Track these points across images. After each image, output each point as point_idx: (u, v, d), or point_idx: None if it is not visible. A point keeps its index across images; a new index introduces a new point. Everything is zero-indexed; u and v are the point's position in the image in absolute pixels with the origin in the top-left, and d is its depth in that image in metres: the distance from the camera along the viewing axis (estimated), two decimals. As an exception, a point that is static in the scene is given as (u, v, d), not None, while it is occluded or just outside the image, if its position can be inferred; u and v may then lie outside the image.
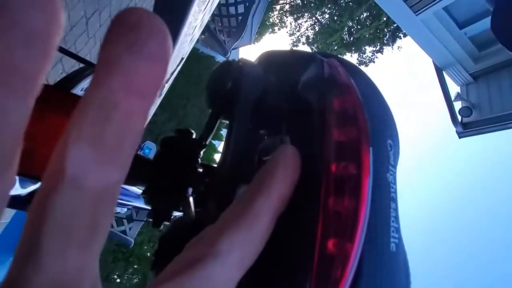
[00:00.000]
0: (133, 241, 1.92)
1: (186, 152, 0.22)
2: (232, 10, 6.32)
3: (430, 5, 2.79)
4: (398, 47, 13.90)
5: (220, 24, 6.78)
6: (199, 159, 0.24)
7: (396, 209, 0.14)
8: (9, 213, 2.02)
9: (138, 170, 0.22)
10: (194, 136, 0.24)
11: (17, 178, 0.27)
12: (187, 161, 0.23)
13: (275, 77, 0.19)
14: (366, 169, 0.12)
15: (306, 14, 14.54)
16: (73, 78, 1.01)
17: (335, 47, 14.84)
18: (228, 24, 6.75)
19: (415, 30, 3.24)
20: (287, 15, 15.03)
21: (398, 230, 0.13)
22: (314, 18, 14.62)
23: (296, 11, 14.56)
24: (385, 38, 13.68)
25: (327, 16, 14.35)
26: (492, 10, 0.90)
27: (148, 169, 0.23)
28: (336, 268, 0.11)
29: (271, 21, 15.31)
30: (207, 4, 0.44)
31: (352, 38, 14.20)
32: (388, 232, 0.13)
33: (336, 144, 0.13)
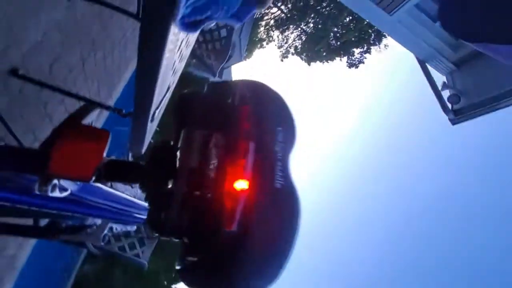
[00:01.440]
0: (146, 263, 1.99)
1: (165, 156, 0.33)
2: (215, 35, 6.76)
3: (402, 4, 2.95)
4: (385, 45, 14.22)
5: (206, 49, 7.25)
6: (176, 159, 0.34)
7: (282, 164, 0.24)
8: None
9: (138, 167, 0.32)
10: (171, 143, 0.34)
11: (57, 183, 0.35)
12: (165, 163, 0.33)
13: (211, 98, 0.30)
14: (250, 140, 0.22)
15: (291, 26, 15.04)
16: (77, 116, 1.12)
17: (324, 53, 15.23)
18: (213, 48, 7.18)
19: (392, 29, 3.40)
20: (273, 29, 15.55)
21: (284, 176, 0.23)
22: (299, 29, 15.11)
23: (281, 24, 15.08)
24: (370, 39, 14.02)
25: (311, 25, 14.82)
26: (438, 7, 1.00)
27: (144, 166, 0.33)
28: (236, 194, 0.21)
29: (259, 36, 15.83)
30: (182, 42, 0.54)
31: (338, 43, 14.59)
32: (272, 176, 0.23)
33: (239, 132, 0.24)
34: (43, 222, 0.81)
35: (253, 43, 15.29)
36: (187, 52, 1.04)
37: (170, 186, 0.30)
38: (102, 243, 0.65)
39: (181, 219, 0.17)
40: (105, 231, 0.67)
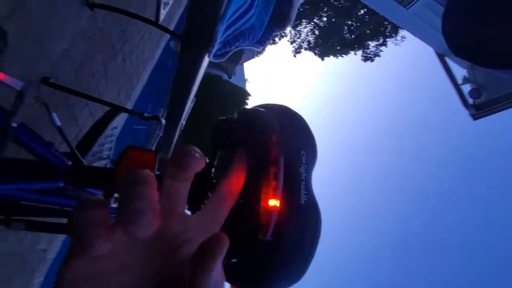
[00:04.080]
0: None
1: (203, 171, 0.38)
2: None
3: (418, -3, 2.87)
4: (402, 37, 13.76)
5: None
6: (212, 174, 0.38)
7: (306, 183, 0.28)
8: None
9: None
10: (208, 161, 0.39)
11: (116, 196, 0.42)
12: (204, 178, 0.38)
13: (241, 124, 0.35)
14: (280, 165, 0.27)
15: (304, 21, 14.83)
16: (105, 120, 1.20)
17: (338, 47, 14.94)
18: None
19: (409, 23, 3.30)
20: (286, 24, 15.37)
21: (308, 194, 0.28)
22: (312, 23, 14.87)
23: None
24: (386, 31, 13.60)
25: (324, 19, 14.54)
26: (443, 12, 0.90)
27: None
28: (269, 211, 0.25)
29: (271, 32, 15.73)
30: None
31: (353, 36, 14.27)
32: (298, 194, 0.27)
33: (270, 158, 0.28)
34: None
35: (265, 39, 15.16)
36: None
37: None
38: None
39: (224, 226, 0.21)
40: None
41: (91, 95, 1.62)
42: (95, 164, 1.09)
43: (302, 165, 0.32)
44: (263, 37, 0.42)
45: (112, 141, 1.31)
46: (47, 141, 0.45)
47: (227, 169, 0.24)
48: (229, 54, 0.37)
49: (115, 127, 1.40)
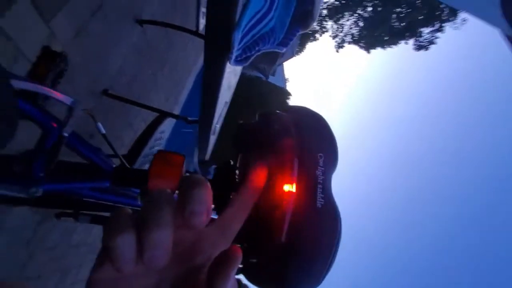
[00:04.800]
0: None
1: (227, 173, 0.40)
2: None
3: (480, -27, 2.53)
4: (463, 20, 12.19)
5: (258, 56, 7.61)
6: (236, 176, 0.41)
7: (322, 185, 0.28)
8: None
9: None
10: (231, 163, 0.42)
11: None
12: (228, 180, 0.40)
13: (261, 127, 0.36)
14: (293, 169, 0.27)
15: (346, 13, 14.12)
16: (154, 125, 1.32)
17: (385, 38, 13.87)
18: (264, 55, 7.44)
19: (470, 4, 2.93)
20: (326, 19, 14.84)
21: (325, 197, 0.28)
22: (355, 15, 14.09)
23: (335, 13, 14.30)
24: (442, 15, 12.18)
25: (369, 9, 13.65)
26: None
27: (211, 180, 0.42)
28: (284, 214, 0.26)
29: (311, 29, 15.34)
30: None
31: (403, 24, 13.11)
32: (314, 197, 0.27)
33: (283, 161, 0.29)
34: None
35: (305, 36, 14.87)
36: (241, 68, 1.13)
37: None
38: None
39: (242, 227, 0.22)
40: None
41: (143, 103, 1.80)
42: (146, 165, 1.20)
43: (319, 167, 0.32)
44: (285, 38, 0.42)
45: (161, 144, 1.43)
46: (95, 147, 0.52)
47: (245, 174, 0.25)
48: (252, 59, 0.39)
49: (163, 131, 1.53)
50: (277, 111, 0.36)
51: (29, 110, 0.45)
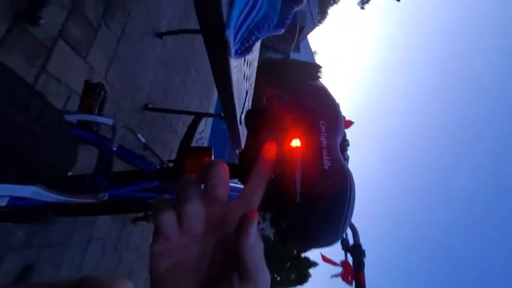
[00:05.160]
0: (271, 236, 2.29)
1: (246, 155, 0.45)
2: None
3: None
4: None
5: (274, 37, 7.47)
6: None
7: (328, 150, 0.30)
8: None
9: (233, 166, 0.46)
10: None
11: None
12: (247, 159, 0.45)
13: (266, 109, 0.39)
14: (298, 139, 0.30)
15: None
16: (192, 128, 1.43)
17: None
18: (280, 36, 7.23)
19: None
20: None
21: (331, 160, 0.30)
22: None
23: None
24: None
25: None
26: None
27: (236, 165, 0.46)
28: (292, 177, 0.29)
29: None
30: (246, 61, 0.65)
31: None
32: (321, 159, 0.29)
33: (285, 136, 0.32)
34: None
35: (324, 3, 13.89)
36: (254, 56, 1.14)
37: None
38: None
39: (264, 197, 0.25)
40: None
41: (180, 110, 1.93)
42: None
43: (322, 133, 0.35)
44: (281, 19, 0.43)
45: (203, 143, 1.55)
46: (139, 154, 0.61)
47: (258, 151, 0.29)
48: (252, 48, 0.41)
49: (202, 131, 1.64)
50: (275, 93, 0.39)
51: (84, 135, 0.55)
